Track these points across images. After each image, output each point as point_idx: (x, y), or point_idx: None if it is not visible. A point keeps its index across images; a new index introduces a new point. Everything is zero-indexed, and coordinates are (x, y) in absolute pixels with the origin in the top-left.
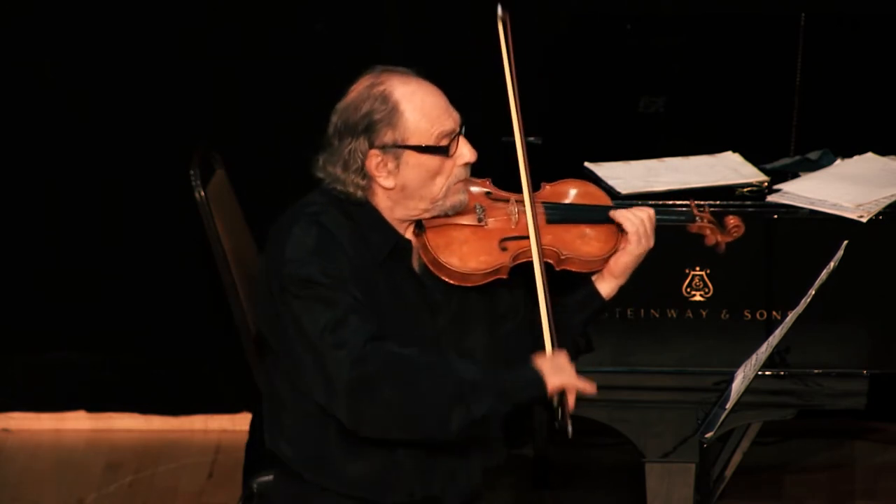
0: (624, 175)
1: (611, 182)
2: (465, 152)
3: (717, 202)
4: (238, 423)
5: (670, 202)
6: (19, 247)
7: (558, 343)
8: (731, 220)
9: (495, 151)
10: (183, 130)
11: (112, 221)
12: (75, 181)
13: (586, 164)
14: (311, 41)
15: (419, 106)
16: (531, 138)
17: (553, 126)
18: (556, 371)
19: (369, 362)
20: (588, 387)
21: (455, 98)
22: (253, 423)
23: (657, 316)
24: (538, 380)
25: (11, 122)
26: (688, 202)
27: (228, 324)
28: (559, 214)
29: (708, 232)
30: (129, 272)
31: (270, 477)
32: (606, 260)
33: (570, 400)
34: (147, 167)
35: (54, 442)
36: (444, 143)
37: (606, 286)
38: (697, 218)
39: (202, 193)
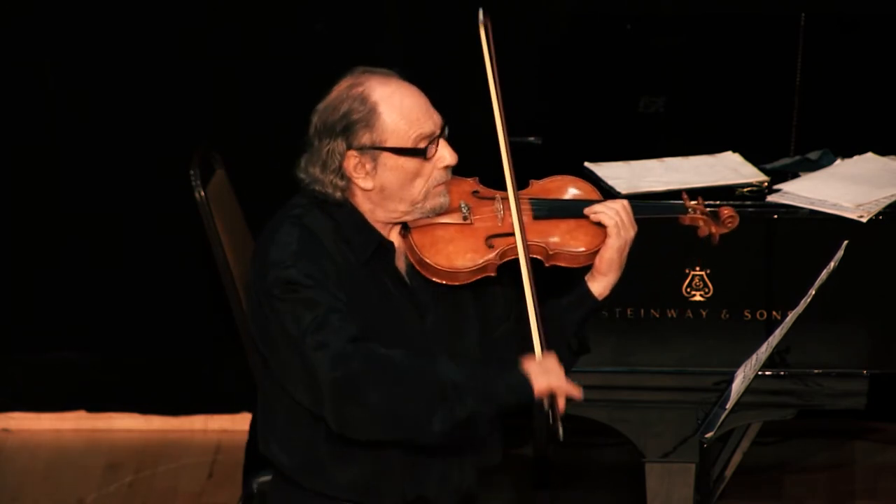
0: (624, 175)
1: (611, 182)
2: (445, 155)
3: (717, 202)
4: (238, 423)
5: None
6: (19, 247)
7: (550, 343)
8: (726, 211)
9: (495, 151)
10: (183, 130)
11: (112, 221)
12: (75, 181)
13: (586, 164)
14: (311, 41)
15: (397, 107)
16: (531, 138)
17: (553, 126)
18: (544, 374)
19: (351, 362)
20: (575, 391)
21: (454, 98)
22: (253, 424)
23: (657, 316)
24: (525, 384)
25: (11, 122)
26: (679, 194)
27: (228, 324)
28: (545, 210)
29: (701, 223)
30: (129, 272)
31: (270, 477)
32: (596, 254)
33: (560, 403)
34: (147, 167)
35: (54, 442)
36: (421, 145)
37: (598, 285)
38: (689, 209)
39: (202, 193)
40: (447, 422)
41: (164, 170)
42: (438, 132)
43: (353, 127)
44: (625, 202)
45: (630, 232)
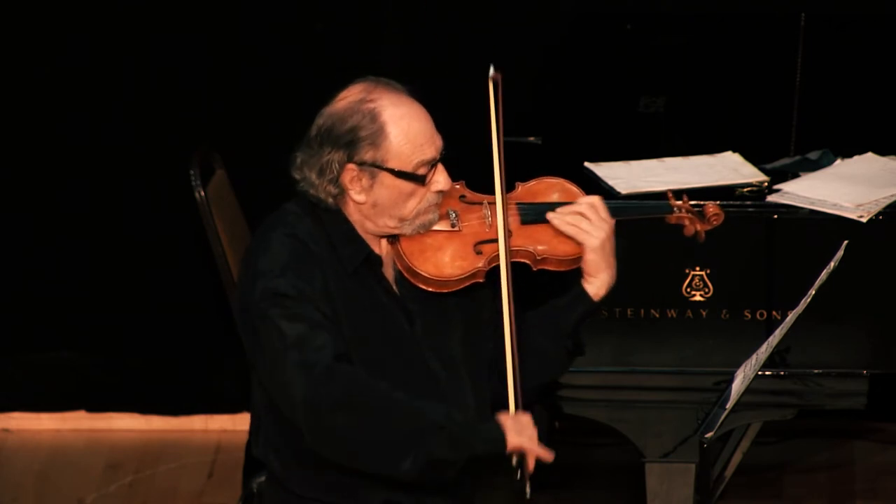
0: (624, 175)
1: (611, 182)
2: (440, 180)
3: (717, 202)
4: (238, 423)
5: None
6: (19, 246)
7: (547, 346)
8: (710, 209)
9: (485, 158)
10: (183, 130)
11: (112, 221)
12: (76, 181)
13: (586, 164)
14: (311, 41)
15: (405, 131)
16: (531, 138)
17: (553, 126)
18: (518, 431)
19: (330, 385)
20: (546, 454)
21: (453, 98)
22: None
23: (657, 316)
24: (499, 438)
25: (11, 122)
26: (664, 193)
27: (228, 324)
28: (533, 214)
29: (686, 222)
30: (129, 272)
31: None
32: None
33: (530, 463)
34: (147, 167)
35: (54, 442)
36: (421, 171)
37: (591, 286)
38: (674, 209)
39: (202, 193)
40: (417, 462)
41: (164, 170)
42: (438, 157)
43: (358, 142)
44: (592, 199)
45: (604, 227)
